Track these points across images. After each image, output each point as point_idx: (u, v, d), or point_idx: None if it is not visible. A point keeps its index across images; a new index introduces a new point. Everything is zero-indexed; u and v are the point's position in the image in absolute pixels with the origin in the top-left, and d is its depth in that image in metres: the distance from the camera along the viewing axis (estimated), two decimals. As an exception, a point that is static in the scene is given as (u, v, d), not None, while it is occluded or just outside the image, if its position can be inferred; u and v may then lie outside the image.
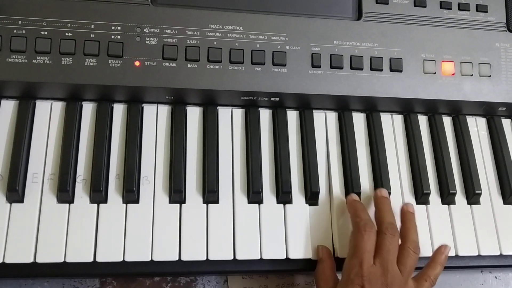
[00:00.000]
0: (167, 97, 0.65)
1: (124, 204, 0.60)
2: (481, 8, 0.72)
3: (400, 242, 0.61)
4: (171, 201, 0.61)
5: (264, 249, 0.61)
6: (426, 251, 0.64)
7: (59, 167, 0.60)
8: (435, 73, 0.69)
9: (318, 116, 0.69)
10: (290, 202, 0.64)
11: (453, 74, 0.69)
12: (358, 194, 0.65)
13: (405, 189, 0.67)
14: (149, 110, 0.65)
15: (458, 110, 0.72)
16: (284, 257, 0.61)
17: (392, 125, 0.71)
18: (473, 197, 0.68)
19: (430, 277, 0.60)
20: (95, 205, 0.60)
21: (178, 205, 0.61)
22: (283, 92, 0.65)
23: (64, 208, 0.59)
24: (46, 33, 0.61)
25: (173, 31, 0.63)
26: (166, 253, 0.59)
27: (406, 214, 0.64)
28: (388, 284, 0.56)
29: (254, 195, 0.63)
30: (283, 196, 0.63)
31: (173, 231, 0.60)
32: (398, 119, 0.71)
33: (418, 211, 0.66)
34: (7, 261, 0.56)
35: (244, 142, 0.66)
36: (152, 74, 0.62)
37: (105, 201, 0.60)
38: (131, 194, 0.60)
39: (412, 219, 0.63)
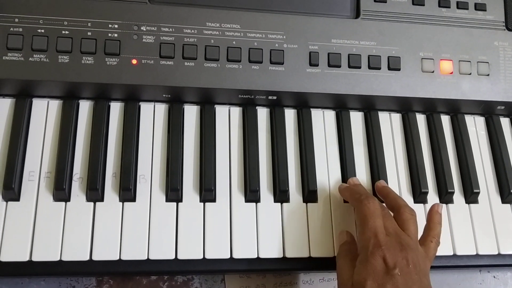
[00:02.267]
0: (164, 95, 0.65)
1: (121, 203, 0.60)
2: (480, 7, 0.71)
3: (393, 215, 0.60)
4: (168, 199, 0.61)
5: (261, 248, 0.61)
6: (424, 250, 0.64)
7: (56, 166, 0.60)
8: (433, 72, 0.69)
9: (316, 115, 0.69)
10: (287, 200, 0.64)
11: (452, 73, 0.69)
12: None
13: (403, 188, 0.67)
14: (146, 109, 0.65)
15: (457, 109, 0.72)
16: (281, 256, 0.61)
17: (390, 124, 0.71)
18: (471, 196, 0.68)
19: (435, 237, 0.59)
20: (92, 203, 0.60)
21: (175, 203, 0.61)
22: (280, 90, 0.65)
23: (60, 207, 0.59)
24: (42, 31, 0.61)
25: (170, 29, 0.63)
26: (163, 252, 0.59)
27: (384, 189, 0.64)
28: (405, 248, 0.54)
29: (251, 194, 0.62)
30: (281, 195, 0.63)
31: (170, 229, 0.60)
32: (396, 117, 0.71)
33: (416, 210, 0.65)
34: (3, 259, 0.56)
35: (241, 140, 0.66)
36: (149, 72, 0.62)
37: (102, 200, 0.60)
38: (127, 192, 0.60)
39: (391, 190, 0.63)
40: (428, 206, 0.66)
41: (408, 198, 0.67)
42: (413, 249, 0.55)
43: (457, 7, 0.71)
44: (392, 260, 0.53)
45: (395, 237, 0.55)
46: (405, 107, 0.71)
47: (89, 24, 0.62)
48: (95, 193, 0.59)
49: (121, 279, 0.64)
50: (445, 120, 0.72)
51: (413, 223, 0.58)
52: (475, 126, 0.73)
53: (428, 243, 0.59)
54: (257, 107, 0.68)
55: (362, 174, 0.67)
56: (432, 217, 0.62)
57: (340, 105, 0.69)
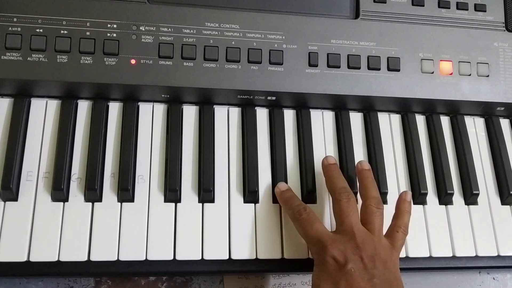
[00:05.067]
0: (163, 95, 0.64)
1: (119, 203, 0.60)
2: (480, 8, 0.71)
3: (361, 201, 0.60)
4: (167, 200, 0.61)
5: (259, 249, 0.60)
6: (423, 251, 0.64)
7: (54, 166, 0.59)
8: (433, 73, 0.69)
9: (315, 115, 0.69)
10: (286, 201, 0.64)
11: (451, 74, 0.69)
12: (355, 193, 0.64)
13: (402, 189, 0.67)
14: (144, 109, 0.65)
15: (456, 110, 0.72)
16: (280, 257, 0.61)
17: (389, 125, 0.71)
18: (470, 197, 0.68)
19: (401, 227, 0.59)
20: (90, 203, 0.59)
21: (174, 204, 0.61)
22: (279, 91, 0.65)
23: (58, 207, 0.59)
24: (41, 30, 0.61)
25: (169, 29, 0.63)
26: (161, 253, 0.59)
27: (362, 172, 0.62)
28: (359, 246, 0.54)
29: (250, 195, 0.62)
30: (279, 196, 0.63)
31: (168, 230, 0.60)
32: (396, 118, 0.71)
33: (415, 212, 0.66)
34: (1, 259, 0.56)
35: (240, 141, 0.66)
36: (148, 72, 0.62)
37: (100, 200, 0.60)
38: (126, 192, 0.60)
39: (369, 176, 0.62)
40: (428, 207, 0.67)
41: (407, 199, 0.67)
42: (370, 244, 0.55)
43: (457, 8, 0.71)
44: (342, 257, 0.53)
45: (350, 235, 0.55)
46: (404, 108, 0.71)
47: (87, 24, 0.62)
48: (93, 193, 0.59)
49: (120, 279, 0.63)
50: (445, 121, 0.72)
51: (377, 216, 0.58)
52: (475, 127, 0.73)
53: (394, 234, 0.58)
54: (256, 108, 0.67)
55: (361, 175, 0.67)
56: (400, 206, 0.61)
57: (340, 105, 0.69)
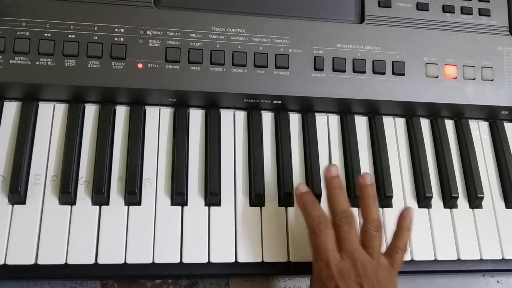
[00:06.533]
0: (169, 99, 0.65)
1: (126, 206, 0.60)
2: (484, 12, 0.72)
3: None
4: (173, 203, 0.61)
5: (266, 252, 0.61)
6: (428, 254, 0.64)
7: (61, 169, 0.60)
8: (437, 77, 0.69)
9: (321, 119, 0.69)
10: (292, 204, 0.64)
11: (456, 78, 0.69)
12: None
13: (407, 193, 0.67)
14: (151, 112, 0.65)
15: (461, 114, 0.72)
16: (286, 260, 0.61)
17: (394, 129, 0.71)
18: (475, 201, 0.68)
19: (400, 247, 0.58)
20: (97, 207, 0.60)
21: (180, 207, 0.61)
22: (285, 95, 0.65)
23: (66, 210, 0.59)
24: (49, 35, 0.61)
25: (176, 34, 0.64)
26: (168, 256, 0.59)
27: (363, 188, 0.60)
28: (361, 273, 0.54)
29: (256, 198, 0.63)
30: (285, 199, 0.63)
31: (175, 233, 0.60)
32: (401, 122, 0.72)
33: (420, 215, 0.66)
34: (9, 262, 0.56)
35: (246, 144, 0.66)
36: (155, 77, 0.62)
37: (107, 203, 0.60)
38: (133, 196, 0.60)
39: (370, 193, 0.59)
40: (432, 211, 0.67)
41: (412, 203, 0.67)
42: (370, 269, 0.54)
43: (461, 12, 0.71)
44: (344, 286, 0.53)
45: (352, 261, 0.54)
46: (409, 111, 0.71)
47: (95, 28, 0.62)
48: (100, 196, 0.59)
49: (126, 282, 0.64)
50: (449, 124, 0.73)
51: (377, 240, 0.57)
52: (479, 131, 0.73)
53: (394, 254, 0.58)
54: (262, 111, 0.68)
55: (366, 178, 0.67)
56: (400, 224, 0.60)
57: (345, 109, 0.70)
